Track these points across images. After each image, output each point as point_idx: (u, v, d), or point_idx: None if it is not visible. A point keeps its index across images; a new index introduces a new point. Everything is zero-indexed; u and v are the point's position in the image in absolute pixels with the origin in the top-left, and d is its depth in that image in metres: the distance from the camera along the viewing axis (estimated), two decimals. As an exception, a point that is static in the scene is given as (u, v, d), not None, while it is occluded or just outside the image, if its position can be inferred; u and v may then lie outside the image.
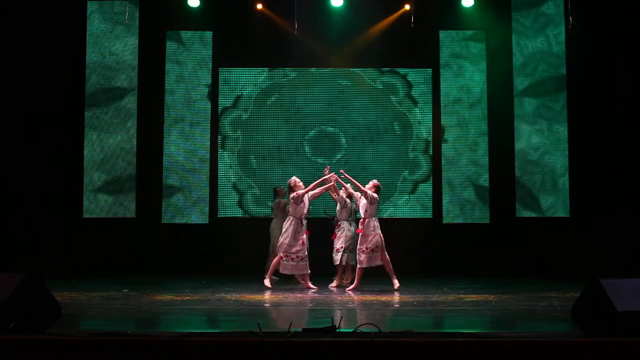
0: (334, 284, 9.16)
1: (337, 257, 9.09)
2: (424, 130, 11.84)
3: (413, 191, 11.73)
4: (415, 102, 11.88)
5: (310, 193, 8.89)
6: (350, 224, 9.22)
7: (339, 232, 9.20)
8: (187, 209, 11.65)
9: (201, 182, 11.71)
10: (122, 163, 11.56)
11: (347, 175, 9.05)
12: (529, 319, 6.34)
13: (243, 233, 11.27)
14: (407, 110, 11.87)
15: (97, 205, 11.49)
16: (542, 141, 11.60)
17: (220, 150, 11.79)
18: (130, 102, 11.67)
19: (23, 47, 11.06)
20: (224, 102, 11.90)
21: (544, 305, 7.13)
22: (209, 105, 11.83)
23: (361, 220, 8.81)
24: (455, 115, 11.82)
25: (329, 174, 9.08)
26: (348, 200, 9.18)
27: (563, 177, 11.49)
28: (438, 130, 11.78)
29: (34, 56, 11.06)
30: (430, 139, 11.80)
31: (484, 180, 11.64)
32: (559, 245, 10.91)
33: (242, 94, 11.91)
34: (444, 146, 11.76)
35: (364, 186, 8.84)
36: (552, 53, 11.68)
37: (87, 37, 11.68)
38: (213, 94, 11.85)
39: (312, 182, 9.08)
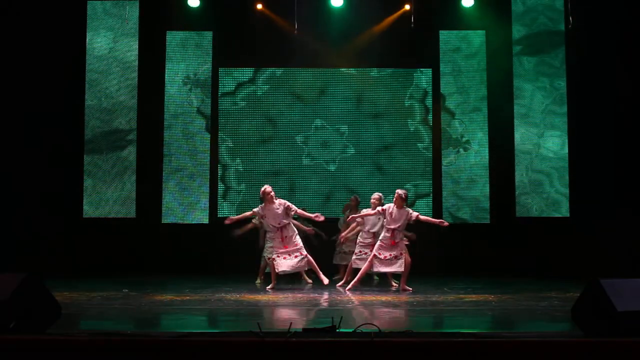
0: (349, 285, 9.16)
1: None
2: (424, 130, 11.84)
3: (414, 193, 11.74)
4: (415, 102, 11.88)
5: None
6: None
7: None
8: (186, 209, 11.66)
9: (201, 182, 11.72)
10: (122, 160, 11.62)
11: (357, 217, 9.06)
12: (529, 319, 6.33)
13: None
14: (407, 109, 11.88)
15: (97, 205, 11.53)
16: (542, 144, 11.62)
17: (220, 150, 11.80)
18: (130, 101, 11.68)
19: (23, 46, 11.06)
20: (223, 101, 11.90)
21: (544, 305, 7.12)
22: (209, 104, 11.84)
23: (391, 229, 8.64)
24: (455, 116, 11.83)
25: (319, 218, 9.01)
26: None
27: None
28: (438, 130, 11.78)
29: (34, 56, 11.06)
30: (430, 140, 11.79)
31: (485, 181, 11.64)
32: (559, 245, 10.90)
33: (241, 94, 11.91)
34: (444, 146, 11.75)
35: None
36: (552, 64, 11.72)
37: (87, 36, 11.69)
38: (213, 94, 11.86)
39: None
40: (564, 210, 11.46)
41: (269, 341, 3.94)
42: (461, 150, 11.78)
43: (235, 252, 11.11)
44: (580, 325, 4.48)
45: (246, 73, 11.96)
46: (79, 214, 11.44)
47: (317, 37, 11.50)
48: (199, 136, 11.83)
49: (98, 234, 11.27)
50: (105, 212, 11.53)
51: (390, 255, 8.55)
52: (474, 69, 11.85)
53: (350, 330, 4.41)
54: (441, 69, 11.86)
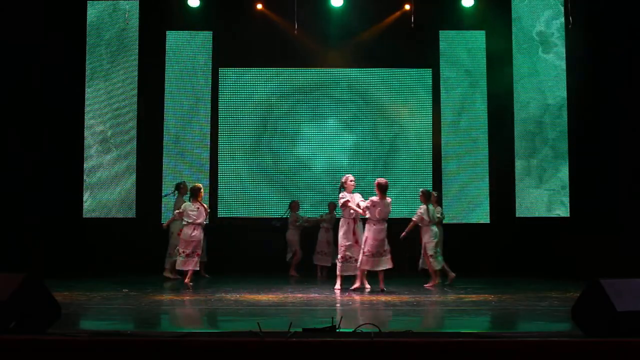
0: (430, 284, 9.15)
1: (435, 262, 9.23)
2: (424, 130, 11.85)
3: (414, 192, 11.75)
4: (414, 102, 11.89)
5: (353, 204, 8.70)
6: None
7: (432, 237, 9.25)
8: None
9: (201, 182, 11.72)
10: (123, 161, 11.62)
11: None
12: (529, 319, 6.33)
13: (243, 233, 11.25)
14: (407, 109, 11.88)
15: (97, 205, 11.53)
16: (542, 144, 11.63)
17: (220, 150, 11.80)
18: (130, 101, 11.68)
19: (23, 46, 11.03)
20: (224, 102, 11.91)
21: (544, 305, 7.12)
22: (208, 104, 11.84)
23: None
24: (455, 116, 11.83)
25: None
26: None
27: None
28: (438, 130, 11.78)
29: (35, 56, 11.04)
30: (430, 139, 11.80)
31: (484, 181, 11.64)
32: (559, 245, 10.90)
33: (241, 94, 11.91)
34: (444, 145, 11.75)
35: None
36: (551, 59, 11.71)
37: (87, 35, 11.69)
38: (213, 94, 11.86)
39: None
40: (564, 210, 11.46)
41: (269, 341, 3.94)
42: (461, 149, 11.77)
43: (235, 252, 11.13)
44: (580, 325, 4.48)
45: (246, 73, 11.95)
46: (79, 214, 11.44)
47: (317, 37, 11.51)
48: (199, 136, 11.82)
49: (98, 234, 11.27)
50: (105, 212, 11.52)
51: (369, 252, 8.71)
52: (473, 69, 11.84)
53: (350, 330, 4.41)
54: (441, 69, 11.86)
